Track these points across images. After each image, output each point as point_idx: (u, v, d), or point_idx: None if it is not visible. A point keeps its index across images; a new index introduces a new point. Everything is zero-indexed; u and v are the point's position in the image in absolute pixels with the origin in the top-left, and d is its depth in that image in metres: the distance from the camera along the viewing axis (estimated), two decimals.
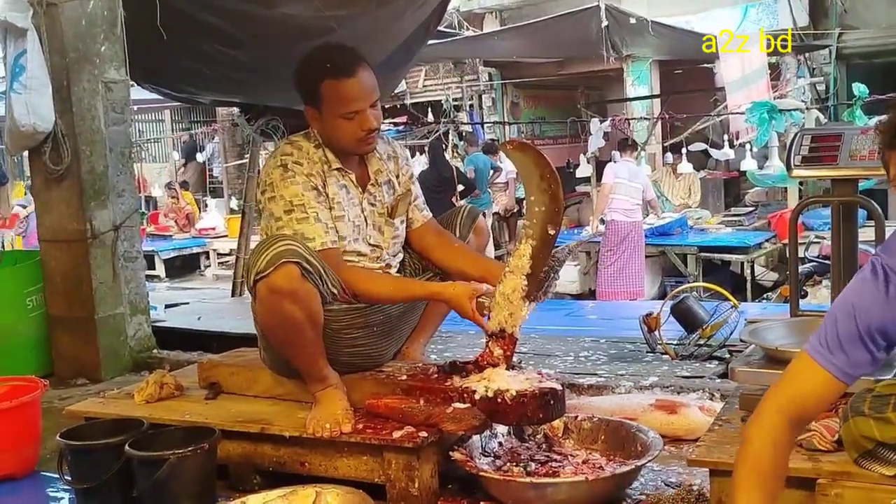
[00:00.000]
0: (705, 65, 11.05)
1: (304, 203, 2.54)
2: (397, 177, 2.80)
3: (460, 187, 10.32)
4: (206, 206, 15.10)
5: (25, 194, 12.21)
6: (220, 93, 6.02)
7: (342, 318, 2.57)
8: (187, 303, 6.04)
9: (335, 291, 2.51)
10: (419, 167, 11.16)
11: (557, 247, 2.47)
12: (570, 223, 11.65)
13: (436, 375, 2.54)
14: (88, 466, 2.47)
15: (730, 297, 3.99)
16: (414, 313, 2.83)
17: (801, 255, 7.96)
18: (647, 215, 9.64)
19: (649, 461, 2.37)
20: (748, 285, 9.09)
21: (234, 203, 14.37)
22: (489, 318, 2.46)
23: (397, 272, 2.77)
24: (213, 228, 13.47)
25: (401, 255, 2.81)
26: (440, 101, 13.75)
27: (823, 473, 1.90)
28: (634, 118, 11.12)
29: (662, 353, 3.80)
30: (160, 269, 12.28)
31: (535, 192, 2.41)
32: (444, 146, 11.45)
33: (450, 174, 10.29)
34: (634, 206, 8.99)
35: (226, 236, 12.82)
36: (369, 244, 2.68)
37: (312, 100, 2.60)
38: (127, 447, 2.36)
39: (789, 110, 8.56)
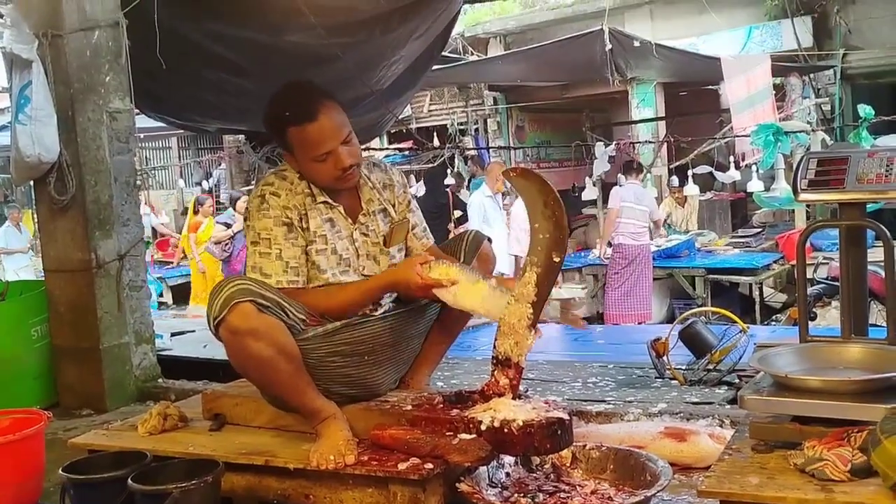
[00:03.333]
0: (710, 86, 11.06)
1: (271, 238, 2.55)
2: (393, 205, 2.78)
3: (458, 213, 10.30)
4: None
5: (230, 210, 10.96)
6: (226, 121, 6.04)
7: (320, 346, 2.53)
8: (193, 331, 6.02)
9: (303, 317, 2.50)
10: (420, 193, 11.17)
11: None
12: (576, 246, 11.64)
13: (441, 405, 2.51)
14: (91, 500, 2.44)
15: (738, 321, 3.96)
16: (412, 341, 2.79)
17: (809, 276, 7.93)
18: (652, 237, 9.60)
19: (659, 491, 2.33)
20: (757, 307, 9.05)
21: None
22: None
23: (392, 301, 2.74)
24: None
25: None
26: (445, 125, 13.80)
27: None
28: (640, 141, 11.11)
29: (671, 379, 3.77)
30: (167, 296, 12.30)
31: (538, 219, 2.39)
32: (446, 172, 11.45)
33: (445, 200, 10.30)
34: (641, 228, 8.97)
35: None
36: (362, 275, 2.66)
37: (284, 146, 2.61)
38: (130, 481, 2.33)
39: (795, 132, 8.55)
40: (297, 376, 2.47)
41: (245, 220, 2.63)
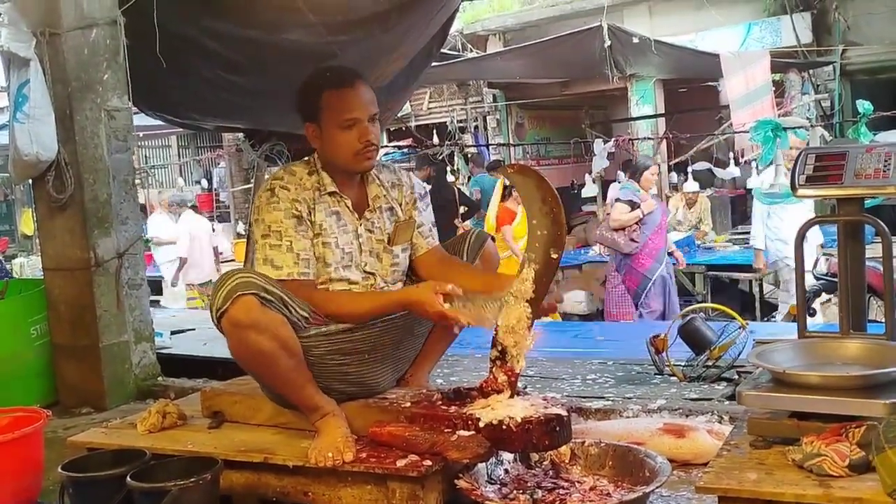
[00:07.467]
0: (710, 83, 11.05)
1: (282, 230, 2.56)
2: (401, 205, 2.78)
3: (463, 209, 10.26)
4: (214, 230, 15.10)
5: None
6: (224, 118, 6.02)
7: (322, 343, 2.54)
8: (193, 329, 6.01)
9: (305, 315, 2.50)
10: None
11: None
12: (576, 243, 11.61)
13: (440, 402, 2.51)
14: (90, 498, 2.45)
15: (737, 317, 3.95)
16: (413, 340, 2.80)
17: (808, 271, 7.92)
18: None
19: (657, 487, 2.33)
20: (757, 304, 9.04)
21: (240, 227, 14.39)
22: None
23: None
24: (221, 253, 13.48)
25: (400, 284, 2.78)
26: (445, 122, 13.78)
27: (835, 500, 1.86)
28: (639, 138, 11.10)
29: (670, 375, 3.76)
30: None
31: (536, 216, 2.39)
32: (445, 168, 11.43)
33: (451, 196, 10.26)
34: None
35: (233, 260, 12.81)
36: (364, 271, 2.66)
37: (312, 115, 2.62)
38: (128, 479, 2.34)
39: (794, 128, 8.53)
40: (298, 372, 2.47)
41: (252, 215, 2.65)
